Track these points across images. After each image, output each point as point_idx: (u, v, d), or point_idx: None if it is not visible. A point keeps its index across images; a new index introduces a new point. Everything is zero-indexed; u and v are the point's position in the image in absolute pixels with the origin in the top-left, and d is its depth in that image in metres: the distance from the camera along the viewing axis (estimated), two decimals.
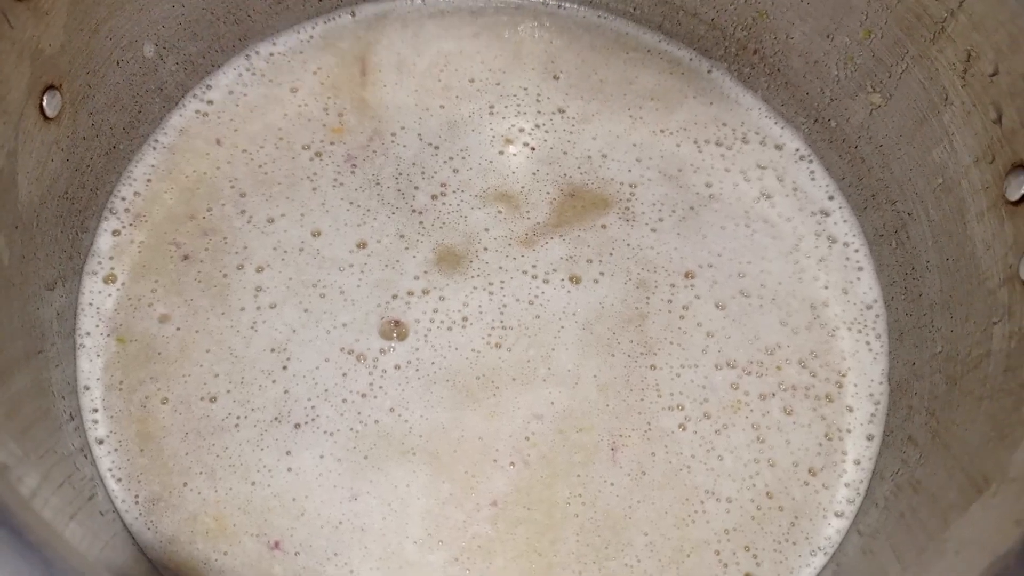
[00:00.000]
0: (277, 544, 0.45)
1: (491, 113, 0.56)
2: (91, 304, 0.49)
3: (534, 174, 0.54)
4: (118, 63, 0.48)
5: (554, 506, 0.47)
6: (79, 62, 0.45)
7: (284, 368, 0.48)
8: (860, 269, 0.53)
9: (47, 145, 0.43)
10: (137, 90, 0.50)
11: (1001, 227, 0.42)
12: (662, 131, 0.56)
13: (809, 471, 0.48)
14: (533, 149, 0.55)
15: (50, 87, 0.43)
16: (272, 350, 0.49)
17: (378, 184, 0.53)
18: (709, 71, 0.58)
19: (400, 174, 0.53)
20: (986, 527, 0.35)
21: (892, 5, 0.47)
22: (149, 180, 0.52)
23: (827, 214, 0.54)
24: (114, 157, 0.50)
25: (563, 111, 0.56)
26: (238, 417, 0.47)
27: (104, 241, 0.50)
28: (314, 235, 0.51)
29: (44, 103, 0.43)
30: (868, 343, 0.51)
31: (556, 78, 0.57)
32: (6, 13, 0.38)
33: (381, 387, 0.48)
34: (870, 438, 0.49)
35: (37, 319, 0.43)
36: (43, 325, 0.44)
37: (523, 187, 0.54)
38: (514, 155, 0.55)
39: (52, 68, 0.43)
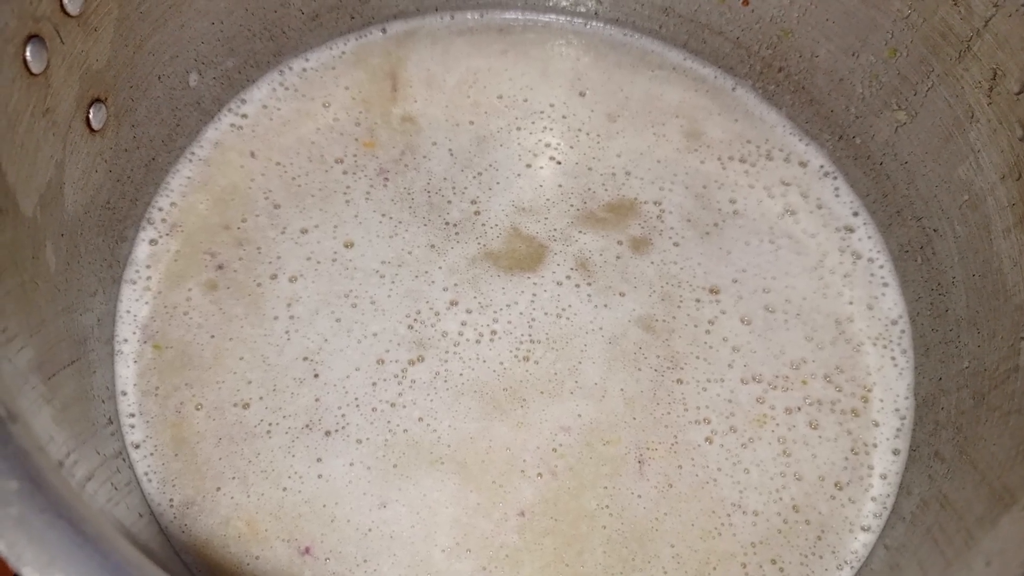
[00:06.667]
0: (307, 550, 0.46)
1: (518, 129, 0.57)
2: (128, 311, 0.50)
3: (560, 187, 0.55)
4: (159, 78, 0.49)
5: (581, 517, 0.47)
6: (124, 76, 0.46)
7: (316, 376, 0.49)
8: (885, 285, 0.53)
9: (92, 156, 0.45)
10: (176, 104, 0.51)
11: None
12: (686, 148, 0.56)
13: (835, 485, 0.48)
14: (559, 164, 0.56)
15: (96, 100, 0.44)
16: (304, 359, 0.49)
17: (410, 197, 0.54)
18: (734, 88, 0.58)
19: (431, 187, 0.54)
20: (1016, 539, 0.35)
21: (918, 24, 0.48)
22: (185, 191, 0.53)
23: (852, 230, 0.55)
24: (153, 168, 0.51)
25: (589, 127, 0.57)
26: (270, 424, 0.48)
27: (142, 250, 0.51)
28: (346, 246, 0.52)
29: (91, 116, 0.44)
30: (894, 358, 0.51)
31: (582, 95, 0.58)
32: (58, 29, 0.39)
33: (410, 397, 0.49)
34: (896, 452, 0.49)
35: (79, 325, 0.44)
36: (84, 331, 0.45)
37: (549, 201, 0.55)
38: (541, 169, 0.56)
39: (99, 82, 0.44)
